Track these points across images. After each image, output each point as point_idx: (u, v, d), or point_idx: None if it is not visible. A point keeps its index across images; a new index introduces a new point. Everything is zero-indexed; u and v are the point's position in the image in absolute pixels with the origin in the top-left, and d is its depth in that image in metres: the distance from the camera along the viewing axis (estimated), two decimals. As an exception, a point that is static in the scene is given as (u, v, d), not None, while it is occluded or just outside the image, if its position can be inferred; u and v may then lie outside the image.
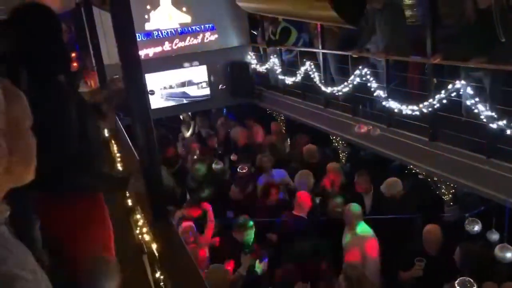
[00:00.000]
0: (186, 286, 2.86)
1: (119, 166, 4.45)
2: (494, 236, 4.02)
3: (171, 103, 10.72)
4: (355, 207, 5.30)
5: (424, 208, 6.04)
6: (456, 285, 3.53)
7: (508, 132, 4.57)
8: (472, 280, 3.55)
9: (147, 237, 3.08)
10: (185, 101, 10.81)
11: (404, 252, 5.02)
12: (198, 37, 10.66)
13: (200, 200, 6.19)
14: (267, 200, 6.29)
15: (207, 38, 10.77)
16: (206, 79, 10.86)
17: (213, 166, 7.43)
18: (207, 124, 10.59)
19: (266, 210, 6.17)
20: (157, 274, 2.75)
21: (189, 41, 10.56)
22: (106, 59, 7.70)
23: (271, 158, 7.51)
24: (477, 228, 4.20)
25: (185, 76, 10.81)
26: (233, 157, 8.06)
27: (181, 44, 10.53)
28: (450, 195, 6.00)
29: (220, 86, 10.87)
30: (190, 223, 5.51)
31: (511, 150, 4.67)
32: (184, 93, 10.79)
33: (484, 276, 4.16)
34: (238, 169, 7.12)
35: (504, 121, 4.61)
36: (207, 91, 10.92)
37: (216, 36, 10.80)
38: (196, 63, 10.59)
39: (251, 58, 10.93)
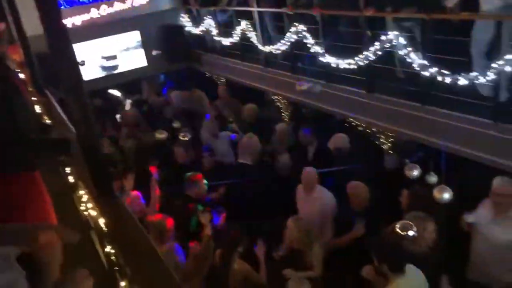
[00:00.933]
0: (138, 257, 2.81)
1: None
2: (433, 178, 4.23)
3: (105, 73, 10.28)
4: (312, 171, 5.29)
5: (366, 158, 6.28)
6: (397, 228, 3.70)
7: (440, 78, 4.76)
8: (411, 223, 3.74)
9: (93, 213, 2.98)
10: (120, 70, 10.40)
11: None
12: (126, 1, 10.17)
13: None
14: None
15: (137, 2, 10.31)
16: (140, 45, 10.47)
17: (157, 135, 7.26)
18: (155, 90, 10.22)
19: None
20: (107, 249, 2.67)
21: (118, 6, 10.05)
22: (28, 30, 7.18)
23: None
24: (416, 172, 4.40)
25: (117, 43, 10.36)
26: (176, 124, 7.90)
27: (110, 10, 10.01)
28: (389, 144, 6.24)
29: (154, 52, 10.52)
30: (136, 192, 5.42)
31: (443, 96, 4.88)
32: (117, 61, 10.36)
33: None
34: (180, 137, 7.00)
35: (436, 69, 4.79)
36: (142, 58, 10.55)
37: (147, -1, 10.37)
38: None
39: (185, 21, 10.60)
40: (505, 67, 4.11)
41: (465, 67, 4.58)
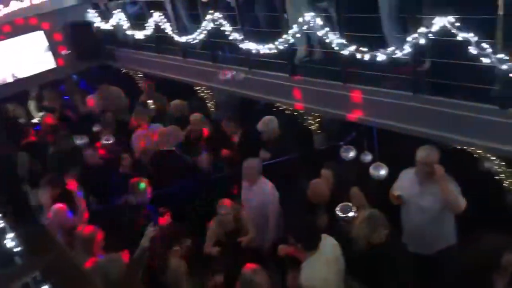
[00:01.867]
0: (64, 280, 2.61)
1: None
2: (367, 157, 4.33)
3: (11, 79, 9.45)
4: (252, 163, 5.20)
5: (296, 140, 6.33)
6: (337, 211, 3.76)
7: (359, 56, 4.83)
8: (350, 204, 3.81)
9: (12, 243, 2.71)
10: (27, 75, 9.60)
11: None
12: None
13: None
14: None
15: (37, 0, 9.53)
16: (47, 46, 9.72)
17: (76, 141, 6.81)
18: (58, 96, 9.52)
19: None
20: (34, 274, 2.45)
21: (15, 5, 9.22)
22: None
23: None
24: (351, 154, 4.48)
25: (22, 46, 9.54)
26: (96, 128, 7.45)
27: (6, 10, 9.16)
28: (317, 124, 6.33)
29: (63, 51, 9.82)
30: (62, 205, 5.06)
31: (363, 73, 4.97)
32: (23, 65, 9.55)
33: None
34: (103, 141, 6.63)
35: (354, 46, 4.86)
36: (50, 60, 9.82)
37: (47, -4, 9.60)
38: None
39: (92, 16, 9.99)
40: (419, 39, 4.24)
41: (383, 43, 4.67)
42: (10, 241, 2.82)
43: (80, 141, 6.79)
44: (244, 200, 5.21)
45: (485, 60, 3.79)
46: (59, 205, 5.07)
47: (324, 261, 3.63)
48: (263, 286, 3.64)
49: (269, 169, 5.44)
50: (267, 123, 6.05)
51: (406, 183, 4.43)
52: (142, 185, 5.20)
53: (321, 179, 4.62)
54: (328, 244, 3.75)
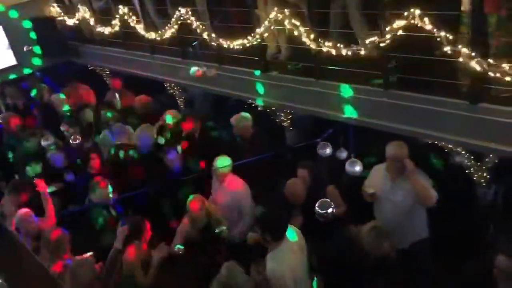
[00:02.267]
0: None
1: None
2: (343, 154, 4.34)
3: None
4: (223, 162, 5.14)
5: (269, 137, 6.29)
6: (316, 207, 3.75)
7: (332, 52, 4.81)
8: (329, 200, 3.81)
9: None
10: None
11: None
12: (-19, -7, 8.97)
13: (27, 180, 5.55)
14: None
15: (-5, -6, 9.13)
16: (6, 42, 9.34)
17: (42, 142, 6.56)
18: (21, 94, 9.14)
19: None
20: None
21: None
22: None
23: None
24: (328, 150, 4.48)
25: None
26: (63, 127, 7.20)
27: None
28: (289, 121, 6.30)
29: (25, 47, 9.45)
30: (26, 210, 4.88)
31: (335, 69, 4.97)
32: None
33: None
34: (70, 141, 6.41)
35: (326, 42, 4.84)
36: (11, 57, 9.44)
37: (4, -11, 9.21)
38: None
39: (56, 11, 9.65)
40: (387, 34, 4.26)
41: (354, 39, 4.68)
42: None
43: (45, 142, 6.54)
44: (214, 199, 5.13)
45: (455, 56, 3.85)
46: (23, 210, 4.89)
47: (290, 250, 3.66)
48: (239, 281, 3.61)
49: (243, 168, 5.37)
50: (239, 121, 5.96)
51: (377, 180, 4.46)
52: (98, 189, 5.07)
53: (298, 178, 4.59)
54: (293, 233, 3.80)
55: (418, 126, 4.40)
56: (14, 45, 9.45)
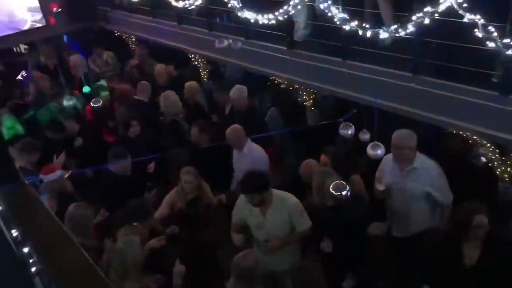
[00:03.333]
0: (50, 244, 2.51)
1: None
2: (366, 136, 4.25)
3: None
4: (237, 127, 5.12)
5: (288, 117, 6.23)
6: (330, 189, 3.69)
7: (360, 32, 4.69)
8: (344, 183, 3.74)
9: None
10: (16, 31, 9.29)
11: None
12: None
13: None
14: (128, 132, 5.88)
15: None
16: (37, 3, 9.39)
17: (64, 102, 6.63)
18: (55, 54, 9.21)
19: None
20: (14, 233, 2.34)
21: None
22: None
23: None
24: (350, 131, 4.39)
25: (11, 1, 9.21)
26: (85, 90, 7.26)
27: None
28: (311, 101, 6.21)
29: (54, 9, 9.48)
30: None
31: (363, 50, 4.85)
32: (11, 21, 9.23)
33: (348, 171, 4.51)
34: (91, 104, 6.45)
35: (356, 22, 4.70)
36: (39, 17, 9.50)
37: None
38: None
39: (86, -25, 9.64)
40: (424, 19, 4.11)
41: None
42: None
43: (67, 102, 6.60)
44: (235, 167, 5.15)
45: (490, 45, 3.69)
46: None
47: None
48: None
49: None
50: (237, 91, 5.88)
51: (387, 170, 4.35)
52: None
53: (312, 160, 4.55)
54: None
55: (444, 114, 4.28)
56: (44, 7, 9.50)
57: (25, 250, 2.23)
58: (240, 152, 5.09)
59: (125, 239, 3.77)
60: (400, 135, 4.10)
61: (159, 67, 7.44)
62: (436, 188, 4.11)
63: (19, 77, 8.28)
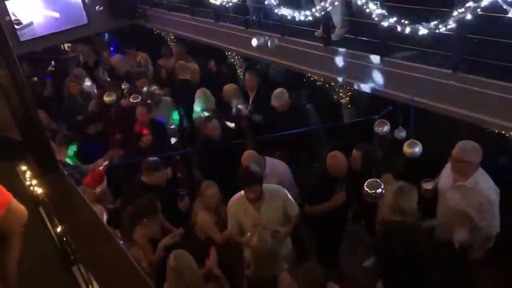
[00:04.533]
0: (88, 236, 2.59)
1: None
2: (402, 133, 4.16)
3: (42, 32, 9.51)
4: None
5: (324, 113, 6.18)
6: (365, 187, 3.65)
7: (399, 29, 4.59)
8: (379, 181, 3.68)
9: (39, 190, 2.71)
10: (59, 29, 9.63)
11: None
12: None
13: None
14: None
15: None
16: (80, 1, 9.71)
17: (105, 98, 6.81)
18: (93, 52, 9.48)
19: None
20: (58, 228, 2.43)
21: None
22: None
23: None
24: (386, 128, 4.32)
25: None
26: (124, 85, 7.45)
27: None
28: (347, 98, 6.14)
29: (97, 7, 9.78)
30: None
31: (402, 47, 4.76)
32: (56, 19, 9.58)
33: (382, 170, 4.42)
34: (130, 99, 6.58)
35: (395, 18, 4.61)
36: (82, 15, 9.81)
37: (83, -50, 9.53)
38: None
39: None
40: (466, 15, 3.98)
41: (425, 17, 4.41)
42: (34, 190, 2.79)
43: (108, 98, 6.78)
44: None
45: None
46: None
47: None
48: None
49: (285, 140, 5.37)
50: (276, 97, 5.69)
51: (444, 174, 4.18)
52: None
53: (340, 153, 4.49)
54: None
55: (486, 114, 4.13)
56: (87, 5, 9.80)
57: (65, 239, 2.32)
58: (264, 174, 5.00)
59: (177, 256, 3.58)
60: (462, 146, 3.78)
61: (194, 66, 7.47)
62: (480, 213, 3.81)
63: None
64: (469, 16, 3.96)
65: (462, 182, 3.85)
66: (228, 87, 6.54)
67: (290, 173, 4.91)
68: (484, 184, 3.80)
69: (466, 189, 3.84)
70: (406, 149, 3.97)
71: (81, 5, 9.78)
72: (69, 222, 2.47)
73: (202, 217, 4.46)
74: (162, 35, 9.86)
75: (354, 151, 4.61)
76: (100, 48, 9.79)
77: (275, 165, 4.89)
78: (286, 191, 4.19)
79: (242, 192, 4.09)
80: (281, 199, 4.12)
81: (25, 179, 2.88)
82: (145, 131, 5.76)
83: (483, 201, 3.78)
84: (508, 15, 3.60)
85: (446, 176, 4.08)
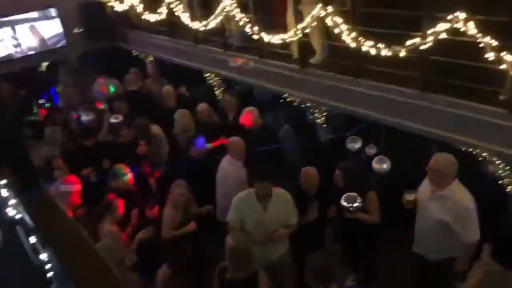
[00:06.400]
0: (70, 252, 2.62)
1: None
2: (372, 150, 4.32)
3: (19, 54, 9.50)
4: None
5: (300, 133, 6.34)
6: (342, 200, 3.76)
7: (371, 51, 4.79)
8: (356, 194, 3.80)
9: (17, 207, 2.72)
10: (39, 50, 9.64)
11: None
12: (40, -25, 9.40)
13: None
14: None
15: (51, -24, 9.54)
16: (59, 22, 9.75)
17: (83, 117, 6.87)
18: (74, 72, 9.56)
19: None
20: (33, 240, 2.45)
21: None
22: None
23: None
24: (357, 145, 4.48)
25: (33, 21, 9.58)
26: (103, 106, 7.50)
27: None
28: (323, 118, 6.32)
29: (75, 29, 9.84)
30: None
31: (375, 69, 4.96)
32: (35, 41, 9.60)
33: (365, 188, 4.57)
34: (111, 119, 6.64)
35: (367, 42, 4.82)
36: (61, 37, 9.85)
37: (63, -26, 9.62)
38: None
39: (107, -3, 9.99)
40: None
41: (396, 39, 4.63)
42: (11, 209, 2.81)
43: (85, 117, 6.83)
44: (225, 177, 5.28)
45: (498, 63, 3.77)
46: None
47: None
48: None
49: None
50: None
51: (423, 186, 4.34)
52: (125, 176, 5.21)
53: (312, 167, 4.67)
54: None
55: (453, 132, 4.34)
56: (65, 27, 9.85)
57: (43, 257, 2.32)
58: (237, 162, 5.25)
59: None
60: (438, 158, 4.01)
61: (167, 89, 7.58)
62: (458, 222, 3.97)
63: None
64: (435, 39, 4.21)
65: (440, 192, 4.03)
66: (204, 107, 6.77)
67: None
68: (461, 193, 4.03)
69: (444, 199, 4.03)
70: (375, 165, 4.13)
71: (60, 27, 9.82)
72: (49, 237, 2.49)
73: (165, 213, 4.79)
74: (141, 57, 9.95)
75: (337, 171, 4.75)
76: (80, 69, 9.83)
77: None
78: (292, 200, 4.33)
79: (251, 189, 4.27)
80: (286, 204, 4.29)
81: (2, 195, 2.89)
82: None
83: (461, 210, 3.98)
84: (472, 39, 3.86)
85: (424, 187, 4.26)
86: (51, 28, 9.78)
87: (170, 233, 4.77)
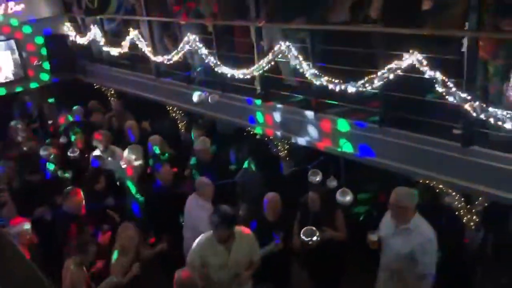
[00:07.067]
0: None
1: None
2: (333, 183, 4.39)
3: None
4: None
5: (264, 165, 6.37)
6: (301, 234, 3.79)
7: (330, 87, 4.92)
8: (314, 228, 3.84)
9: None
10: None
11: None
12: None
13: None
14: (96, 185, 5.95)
15: (11, 9, 9.42)
16: (17, 55, 9.58)
17: (41, 152, 6.71)
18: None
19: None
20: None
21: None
22: None
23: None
24: (318, 178, 4.55)
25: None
26: (62, 139, 7.33)
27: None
28: (285, 151, 6.38)
29: (35, 62, 9.68)
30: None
31: (333, 104, 5.09)
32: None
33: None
34: (69, 153, 6.49)
35: (326, 78, 4.96)
36: (19, 70, 9.65)
37: (22, 6, 9.52)
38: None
39: (68, 30, 9.92)
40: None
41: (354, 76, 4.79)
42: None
43: (43, 152, 6.65)
44: (193, 218, 5.20)
45: (450, 99, 3.94)
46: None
47: None
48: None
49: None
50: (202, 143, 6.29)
51: (384, 223, 4.40)
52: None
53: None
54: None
55: (410, 164, 4.47)
56: (24, 59, 9.68)
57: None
58: (205, 203, 5.16)
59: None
60: (398, 193, 4.09)
61: (131, 124, 7.56)
62: (423, 254, 4.05)
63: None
64: (391, 76, 4.37)
65: (405, 225, 4.10)
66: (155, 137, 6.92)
67: None
68: (424, 225, 4.13)
69: (409, 232, 4.11)
70: (338, 197, 4.20)
71: (18, 59, 9.65)
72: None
73: (112, 259, 4.65)
74: (103, 90, 9.85)
75: (311, 193, 4.74)
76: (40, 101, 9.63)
77: None
78: (254, 237, 4.27)
79: (211, 231, 4.13)
80: (248, 241, 4.21)
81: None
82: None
83: (425, 241, 4.06)
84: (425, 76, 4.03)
85: (386, 224, 4.32)
86: (9, 59, 9.59)
87: (120, 281, 4.52)
